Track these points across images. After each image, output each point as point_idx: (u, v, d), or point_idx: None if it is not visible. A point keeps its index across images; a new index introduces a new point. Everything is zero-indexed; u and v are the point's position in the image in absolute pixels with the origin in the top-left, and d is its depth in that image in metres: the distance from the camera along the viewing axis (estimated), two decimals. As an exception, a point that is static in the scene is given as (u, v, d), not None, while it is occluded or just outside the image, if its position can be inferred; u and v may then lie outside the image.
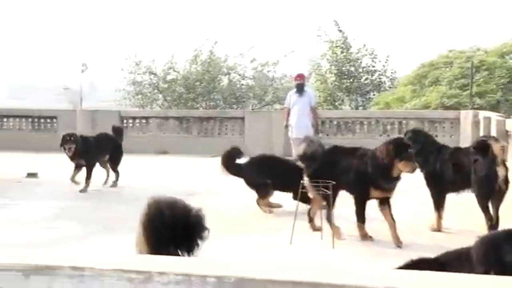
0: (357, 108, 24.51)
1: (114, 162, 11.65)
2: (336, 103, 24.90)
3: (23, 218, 8.24)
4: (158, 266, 1.99)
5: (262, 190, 8.77)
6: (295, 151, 13.51)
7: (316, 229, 7.27)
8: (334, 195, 7.08)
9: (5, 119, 19.23)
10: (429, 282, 1.88)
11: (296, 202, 7.43)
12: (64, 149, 11.22)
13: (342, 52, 24.74)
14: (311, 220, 7.44)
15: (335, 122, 16.68)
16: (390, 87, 25.34)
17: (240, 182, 11.43)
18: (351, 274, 2.05)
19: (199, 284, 1.93)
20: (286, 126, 13.76)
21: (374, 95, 25.32)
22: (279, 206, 8.76)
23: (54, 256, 2.14)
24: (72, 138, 11.24)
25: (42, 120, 18.88)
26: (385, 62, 25.30)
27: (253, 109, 25.20)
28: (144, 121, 18.36)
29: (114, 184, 11.33)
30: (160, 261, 2.09)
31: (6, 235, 7.26)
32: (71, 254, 2.17)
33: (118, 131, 12.50)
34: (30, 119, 18.95)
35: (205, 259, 2.17)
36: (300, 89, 13.52)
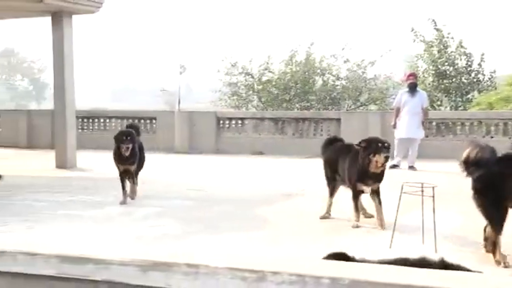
0: (456, 108, 23.74)
1: (139, 166, 10.16)
2: (435, 104, 24.22)
3: (128, 216, 8.53)
4: (271, 265, 2.00)
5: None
6: (410, 152, 13.29)
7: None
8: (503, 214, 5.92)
9: (108, 120, 20.02)
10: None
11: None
12: (120, 148, 9.46)
13: (439, 52, 24.04)
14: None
15: (434, 123, 16.23)
16: (489, 87, 24.37)
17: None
18: (466, 280, 1.98)
19: (313, 285, 1.92)
20: (394, 126, 13.57)
21: (473, 95, 24.44)
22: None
23: (170, 253, 2.19)
24: (129, 138, 9.51)
25: (142, 121, 19.50)
26: (481, 61, 24.37)
27: (347, 110, 24.96)
28: (240, 122, 18.57)
29: (132, 195, 9.77)
30: (274, 261, 2.09)
31: (113, 232, 7.54)
32: (186, 252, 2.22)
33: (136, 130, 10.47)
34: (130, 120, 19.61)
35: (319, 260, 2.16)
36: (413, 88, 13.38)
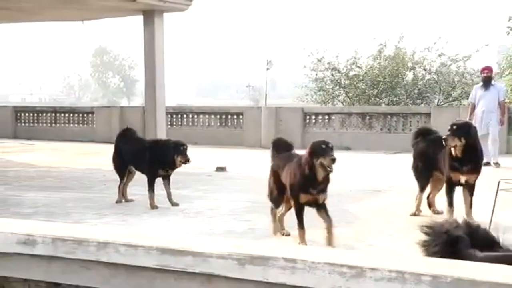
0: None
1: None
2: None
3: (215, 210, 8.65)
4: (370, 261, 1.97)
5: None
6: (491, 148, 12.75)
7: None
8: None
9: (196, 116, 20.41)
10: None
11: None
12: (179, 161, 8.71)
13: (536, 42, 22.98)
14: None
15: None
16: None
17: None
18: None
19: (413, 282, 1.88)
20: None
21: None
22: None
23: (268, 247, 2.20)
24: (186, 148, 8.84)
25: (229, 117, 19.75)
26: None
27: (438, 105, 24.30)
28: (326, 117, 18.48)
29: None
30: (373, 257, 2.06)
31: (202, 225, 7.67)
32: (283, 246, 2.22)
33: (134, 134, 9.77)
34: (218, 116, 19.92)
35: (419, 257, 2.11)
36: (487, 82, 12.86)
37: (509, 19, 23.35)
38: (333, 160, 6.07)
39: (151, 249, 2.21)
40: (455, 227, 2.66)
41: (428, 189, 8.05)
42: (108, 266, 2.29)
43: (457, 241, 2.48)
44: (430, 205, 8.08)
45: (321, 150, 6.17)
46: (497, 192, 6.49)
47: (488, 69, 13.20)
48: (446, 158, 7.39)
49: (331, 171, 6.18)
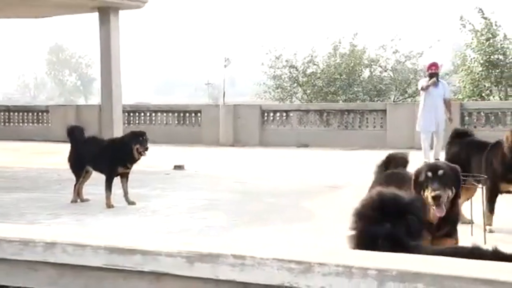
0: (506, 98, 23.18)
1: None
2: (483, 94, 23.70)
3: (173, 208, 8.61)
4: (318, 257, 1.98)
5: None
6: (424, 145, 12.86)
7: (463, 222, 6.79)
8: None
9: (153, 114, 20.26)
10: None
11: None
12: (138, 152, 8.60)
13: (487, 40, 23.49)
14: None
15: (482, 113, 15.92)
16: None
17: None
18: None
19: (360, 276, 1.90)
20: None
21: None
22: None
23: (216, 244, 2.20)
24: (146, 138, 8.78)
25: (187, 115, 19.68)
26: None
27: (394, 102, 24.66)
28: (284, 114, 18.58)
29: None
30: (321, 252, 2.08)
31: (159, 224, 7.62)
32: (232, 243, 2.22)
33: (82, 131, 9.65)
34: (176, 114, 19.83)
35: (365, 251, 2.13)
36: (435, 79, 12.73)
37: (461, 18, 23.82)
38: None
39: (99, 248, 2.18)
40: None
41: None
42: (56, 266, 2.25)
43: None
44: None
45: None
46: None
47: (435, 65, 13.13)
48: (495, 166, 6.64)
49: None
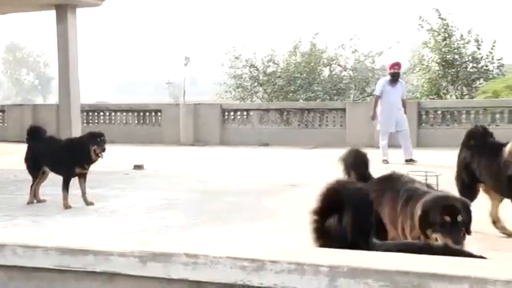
0: (462, 97, 23.63)
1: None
2: (441, 93, 24.12)
3: (132, 208, 8.54)
4: (271, 254, 2.00)
5: None
6: (381, 144, 12.94)
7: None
8: None
9: (113, 114, 20.05)
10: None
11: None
12: (95, 153, 8.50)
13: (444, 40, 23.93)
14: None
15: (439, 112, 16.20)
16: (498, 75, 24.23)
17: (340, 171, 11.34)
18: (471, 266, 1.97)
19: (312, 273, 1.92)
20: (373, 118, 13.00)
21: (481, 84, 24.33)
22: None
23: (170, 243, 2.19)
24: (104, 139, 8.75)
25: (147, 114, 19.53)
26: (491, 49, 24.22)
27: (354, 100, 24.90)
28: (245, 113, 18.59)
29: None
30: (273, 250, 2.09)
31: (118, 224, 7.55)
32: (186, 242, 2.22)
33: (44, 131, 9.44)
34: (136, 113, 19.66)
35: (317, 249, 2.16)
36: (396, 78, 12.80)
37: (420, 17, 24.21)
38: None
39: (50, 249, 2.15)
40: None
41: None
42: (5, 269, 2.21)
43: None
44: (495, 221, 6.48)
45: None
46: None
47: (398, 65, 13.18)
48: None
49: None
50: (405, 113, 12.99)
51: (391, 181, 4.54)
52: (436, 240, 3.58)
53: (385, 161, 12.28)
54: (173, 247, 2.11)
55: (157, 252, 2.06)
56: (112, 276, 2.12)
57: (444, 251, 2.55)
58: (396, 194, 4.29)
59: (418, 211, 3.76)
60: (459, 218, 3.65)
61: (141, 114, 19.61)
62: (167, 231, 6.98)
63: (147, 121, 19.53)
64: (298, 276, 1.93)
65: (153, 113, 19.48)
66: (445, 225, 3.62)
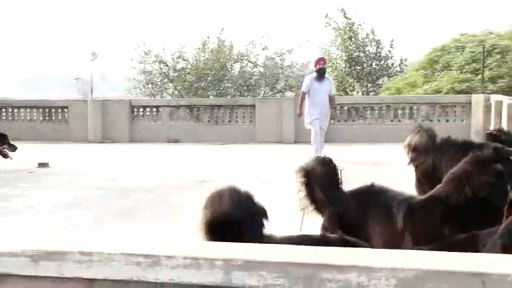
0: (368, 94, 24.40)
1: None
2: (347, 90, 24.81)
3: (36, 207, 8.29)
4: (166, 250, 2.00)
5: None
6: (315, 141, 12.83)
7: None
8: None
9: (16, 110, 19.32)
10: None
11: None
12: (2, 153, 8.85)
13: (350, 39, 24.63)
14: None
15: (345, 108, 16.63)
16: (399, 72, 25.20)
17: (250, 167, 11.47)
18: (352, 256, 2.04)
19: (207, 267, 1.94)
20: (300, 114, 12.57)
21: (383, 81, 25.24)
22: None
23: (64, 241, 2.15)
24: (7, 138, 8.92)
25: (53, 111, 18.96)
26: (390, 47, 25.15)
27: (264, 97, 25.16)
28: (155, 110, 18.40)
29: None
30: (169, 245, 2.09)
31: (21, 223, 7.32)
32: (80, 240, 2.19)
33: None
34: (41, 110, 19.04)
35: (212, 243, 2.18)
36: (322, 74, 12.41)
37: (326, 16, 24.79)
38: None
39: None
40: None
41: None
42: None
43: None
44: None
45: None
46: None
47: (323, 60, 12.93)
48: None
49: None
50: (334, 108, 12.90)
51: (375, 195, 4.19)
52: None
53: None
54: (67, 245, 2.07)
55: (50, 251, 2.01)
56: (3, 277, 2.05)
57: (340, 242, 2.64)
58: (388, 211, 3.97)
59: None
60: None
61: (47, 110, 19.00)
62: (73, 230, 6.83)
63: (53, 118, 18.95)
64: (193, 271, 1.94)
65: (59, 110, 18.91)
66: None
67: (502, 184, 3.78)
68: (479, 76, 20.58)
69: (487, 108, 14.34)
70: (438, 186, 4.05)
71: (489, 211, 3.70)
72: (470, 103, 15.53)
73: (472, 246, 2.83)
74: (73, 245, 2.06)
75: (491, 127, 12.56)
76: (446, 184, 3.94)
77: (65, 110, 18.76)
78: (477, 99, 15.34)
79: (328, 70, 24.80)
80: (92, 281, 1.98)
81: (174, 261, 1.95)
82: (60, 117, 18.82)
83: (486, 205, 3.69)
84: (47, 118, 18.93)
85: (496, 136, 6.51)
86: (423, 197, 4.17)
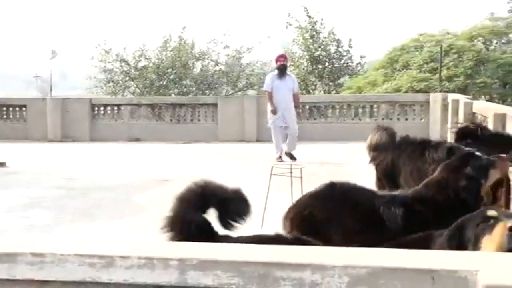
0: (329, 92, 24.58)
1: None
2: (309, 88, 24.96)
3: (-9, 208, 8.14)
4: (121, 250, 1.98)
5: None
6: (275, 141, 12.76)
7: None
8: None
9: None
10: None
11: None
12: None
13: (311, 38, 24.78)
14: None
15: (307, 107, 16.72)
16: (359, 71, 25.49)
17: (212, 166, 11.45)
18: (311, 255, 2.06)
19: (162, 267, 1.93)
20: (274, 112, 12.20)
21: (344, 80, 25.49)
22: None
23: (15, 243, 2.12)
24: None
25: (11, 109, 18.61)
26: (349, 47, 25.41)
27: (226, 95, 25.13)
28: (116, 108, 18.20)
29: None
30: (123, 245, 2.08)
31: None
32: (33, 241, 2.15)
33: None
34: (-2, 109, 18.67)
35: (167, 242, 2.17)
36: (283, 71, 12.24)
37: (289, 15, 24.89)
38: None
39: None
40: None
41: None
42: None
43: None
44: None
45: None
46: (270, 177, 6.87)
47: (283, 56, 12.75)
48: None
49: None
50: (299, 106, 12.73)
51: (348, 196, 4.04)
52: None
53: (280, 158, 11.96)
54: (18, 246, 2.04)
55: (1, 253, 1.98)
56: (-49, 281, 2.01)
57: (295, 241, 2.65)
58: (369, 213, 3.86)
59: None
60: None
61: (4, 109, 18.63)
62: (30, 231, 6.72)
63: (11, 117, 18.59)
64: (148, 271, 1.93)
65: (17, 108, 18.57)
66: None
67: (474, 186, 3.91)
68: (437, 75, 20.93)
69: (445, 106, 14.58)
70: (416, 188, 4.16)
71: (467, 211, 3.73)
72: (428, 102, 15.77)
73: (425, 244, 2.88)
74: (25, 246, 2.03)
75: (449, 125, 12.81)
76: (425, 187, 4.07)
77: (23, 108, 18.43)
78: (435, 98, 15.58)
79: (290, 68, 24.98)
80: (43, 282, 1.96)
81: (128, 261, 1.94)
82: (18, 116, 18.48)
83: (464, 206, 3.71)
84: (4, 116, 18.57)
85: (470, 131, 6.50)
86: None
